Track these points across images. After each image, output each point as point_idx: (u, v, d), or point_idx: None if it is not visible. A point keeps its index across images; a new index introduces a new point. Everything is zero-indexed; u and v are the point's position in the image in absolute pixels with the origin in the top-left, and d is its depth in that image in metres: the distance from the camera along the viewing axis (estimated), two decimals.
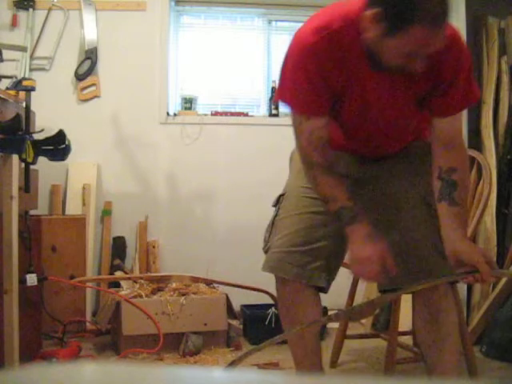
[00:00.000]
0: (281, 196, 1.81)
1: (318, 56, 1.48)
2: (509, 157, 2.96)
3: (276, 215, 1.79)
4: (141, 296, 2.67)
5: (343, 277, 2.63)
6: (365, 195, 1.71)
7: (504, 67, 3.08)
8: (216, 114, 3.52)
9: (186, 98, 3.50)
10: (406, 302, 2.94)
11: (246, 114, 3.54)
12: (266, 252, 1.83)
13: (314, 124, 1.58)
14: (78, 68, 3.34)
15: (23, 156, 2.21)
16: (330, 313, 2.97)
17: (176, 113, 3.48)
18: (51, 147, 2.38)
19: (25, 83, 2.38)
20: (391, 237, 1.62)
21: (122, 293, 2.72)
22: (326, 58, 1.48)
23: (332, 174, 1.62)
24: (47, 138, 2.39)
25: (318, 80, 1.51)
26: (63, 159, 2.50)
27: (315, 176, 1.62)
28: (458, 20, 3.25)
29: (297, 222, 1.71)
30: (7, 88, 2.49)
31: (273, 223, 1.80)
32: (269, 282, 3.25)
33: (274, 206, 1.83)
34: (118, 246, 3.31)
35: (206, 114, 3.51)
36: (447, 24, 1.37)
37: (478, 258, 1.44)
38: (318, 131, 1.58)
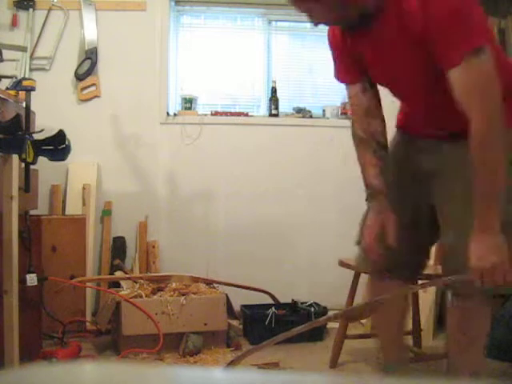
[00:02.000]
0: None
1: (330, 35, 1.72)
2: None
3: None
4: (141, 296, 2.67)
5: (343, 277, 2.64)
6: (433, 187, 1.71)
7: None
8: (216, 113, 3.52)
9: (185, 98, 3.49)
10: None
11: (246, 114, 3.54)
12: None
13: (350, 91, 1.74)
14: (77, 68, 3.34)
15: (23, 156, 2.21)
16: (329, 313, 2.97)
17: (176, 113, 3.48)
18: (51, 147, 2.39)
19: (25, 83, 2.38)
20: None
21: (122, 293, 2.72)
22: (335, 35, 1.69)
23: (370, 151, 1.72)
24: (47, 138, 2.39)
25: (337, 53, 1.72)
26: (63, 159, 2.50)
27: (357, 149, 1.74)
28: None
29: None
30: (7, 88, 2.49)
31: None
32: (269, 282, 3.27)
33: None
34: (118, 246, 3.31)
35: (205, 114, 3.51)
36: None
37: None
38: (354, 98, 1.73)
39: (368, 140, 1.71)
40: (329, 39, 1.72)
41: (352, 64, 1.68)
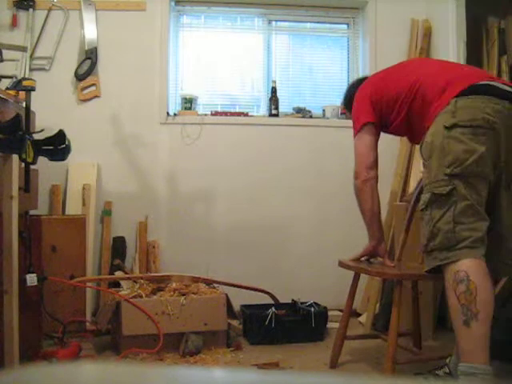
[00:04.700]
0: None
1: None
2: None
3: None
4: (141, 296, 2.67)
5: (343, 277, 2.64)
6: None
7: (504, 67, 3.08)
8: (216, 113, 3.52)
9: (186, 98, 3.49)
10: (405, 303, 2.94)
11: (246, 114, 3.54)
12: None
13: None
14: (77, 68, 3.34)
15: (23, 156, 2.20)
16: (329, 313, 2.97)
17: (176, 113, 3.48)
18: (51, 147, 2.38)
19: (25, 83, 2.38)
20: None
21: (122, 293, 2.72)
22: None
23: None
24: (47, 138, 2.39)
25: None
26: (63, 159, 2.50)
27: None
28: (458, 20, 3.25)
29: None
30: (7, 88, 2.49)
31: None
32: (269, 281, 3.26)
33: None
34: (118, 246, 3.31)
35: (206, 114, 3.51)
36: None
37: None
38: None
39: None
40: None
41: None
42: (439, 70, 2.16)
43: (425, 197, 1.96)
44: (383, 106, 2.30)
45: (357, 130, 2.35)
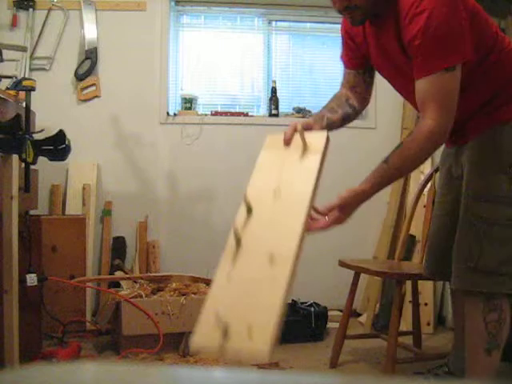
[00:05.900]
0: None
1: (343, 23, 1.83)
2: None
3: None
4: (141, 296, 2.67)
5: (343, 277, 2.64)
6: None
7: None
8: (216, 113, 3.52)
9: (185, 98, 3.50)
10: (405, 302, 2.94)
11: (246, 114, 3.54)
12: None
13: (345, 73, 1.91)
14: (78, 68, 3.34)
15: (23, 156, 2.20)
16: (329, 313, 2.97)
17: (176, 113, 3.48)
18: (51, 147, 2.38)
19: (25, 83, 2.38)
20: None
21: (122, 293, 2.72)
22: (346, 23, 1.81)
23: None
24: (47, 138, 2.39)
25: (345, 40, 1.84)
26: (63, 159, 2.50)
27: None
28: None
29: None
30: (7, 88, 2.49)
31: None
32: None
33: None
34: (118, 246, 3.31)
35: (206, 114, 3.51)
36: None
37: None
38: (346, 77, 1.92)
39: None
40: (341, 25, 1.85)
41: (354, 52, 1.83)
42: None
43: None
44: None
45: (450, 64, 1.52)
